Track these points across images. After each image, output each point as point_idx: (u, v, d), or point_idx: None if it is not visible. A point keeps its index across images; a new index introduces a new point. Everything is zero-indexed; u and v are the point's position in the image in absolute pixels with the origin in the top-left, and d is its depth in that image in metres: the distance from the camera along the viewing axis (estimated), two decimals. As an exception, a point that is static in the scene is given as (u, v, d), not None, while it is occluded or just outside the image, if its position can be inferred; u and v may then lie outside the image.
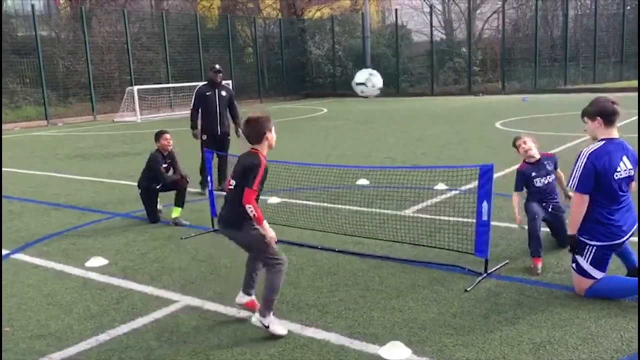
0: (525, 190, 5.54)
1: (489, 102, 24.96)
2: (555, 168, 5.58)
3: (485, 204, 4.81)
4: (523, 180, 5.49)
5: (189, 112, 9.23)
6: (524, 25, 33.83)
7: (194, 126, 8.99)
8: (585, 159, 4.26)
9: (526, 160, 5.55)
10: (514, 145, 5.64)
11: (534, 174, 5.45)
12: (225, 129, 8.88)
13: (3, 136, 19.37)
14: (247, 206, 3.86)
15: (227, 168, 8.71)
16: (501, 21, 32.20)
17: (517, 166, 5.64)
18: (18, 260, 6.01)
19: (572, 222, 4.40)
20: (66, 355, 3.89)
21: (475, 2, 36.22)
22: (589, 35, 32.18)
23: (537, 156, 5.53)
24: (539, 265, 5.01)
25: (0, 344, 4.07)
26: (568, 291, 4.55)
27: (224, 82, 9.18)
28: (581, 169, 4.26)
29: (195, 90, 9.03)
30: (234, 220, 4.03)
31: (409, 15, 36.76)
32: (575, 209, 4.37)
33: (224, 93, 8.91)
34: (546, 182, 5.44)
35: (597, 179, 4.24)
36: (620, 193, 4.32)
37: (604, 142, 4.32)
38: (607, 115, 4.31)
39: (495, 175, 4.89)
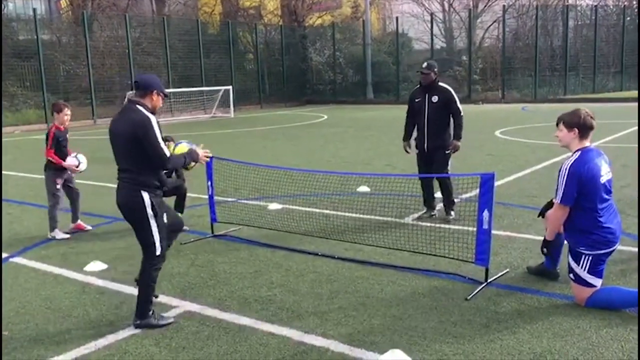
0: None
1: (488, 110, 24.99)
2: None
3: (486, 213, 4.81)
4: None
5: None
6: (524, 35, 33.89)
7: (405, 137, 7.69)
8: (568, 173, 4.36)
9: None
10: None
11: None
12: (434, 142, 7.15)
13: (3, 139, 19.36)
14: None
15: (434, 190, 7.33)
16: (501, 30, 32.29)
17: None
18: (17, 264, 6.00)
19: (551, 231, 4.57)
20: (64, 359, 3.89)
21: (475, 11, 36.37)
22: (588, 46, 32.27)
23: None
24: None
25: (0, 347, 4.06)
26: (569, 300, 4.55)
27: (441, 83, 7.31)
28: (565, 183, 4.36)
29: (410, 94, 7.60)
30: None
31: (409, 23, 36.82)
32: (555, 220, 4.51)
33: (435, 98, 7.13)
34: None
35: (584, 187, 4.32)
36: (606, 197, 4.43)
37: (579, 152, 4.45)
38: (585, 129, 4.45)
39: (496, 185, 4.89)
